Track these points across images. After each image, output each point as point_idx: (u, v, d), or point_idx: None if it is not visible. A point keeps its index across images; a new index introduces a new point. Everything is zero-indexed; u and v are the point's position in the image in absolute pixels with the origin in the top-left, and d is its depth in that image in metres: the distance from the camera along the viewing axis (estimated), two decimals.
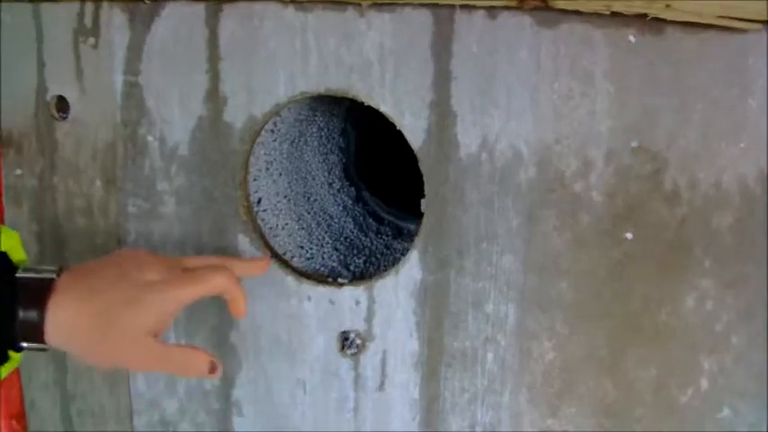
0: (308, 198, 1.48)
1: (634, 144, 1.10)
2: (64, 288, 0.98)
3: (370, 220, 1.58)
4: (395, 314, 1.26)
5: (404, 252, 1.48)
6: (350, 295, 1.27)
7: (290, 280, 1.30)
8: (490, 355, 1.23)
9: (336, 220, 1.51)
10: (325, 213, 1.50)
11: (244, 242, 1.30)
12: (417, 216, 1.50)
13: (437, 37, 1.14)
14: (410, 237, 1.57)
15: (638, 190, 1.11)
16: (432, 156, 1.18)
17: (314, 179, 1.51)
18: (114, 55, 1.30)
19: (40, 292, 0.96)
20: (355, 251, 1.46)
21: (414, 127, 1.17)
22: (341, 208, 1.54)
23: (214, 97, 1.26)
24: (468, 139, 1.16)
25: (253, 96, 1.24)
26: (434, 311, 1.24)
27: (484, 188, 1.16)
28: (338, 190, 1.56)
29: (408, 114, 1.17)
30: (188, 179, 1.30)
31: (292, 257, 1.37)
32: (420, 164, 1.19)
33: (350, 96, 1.19)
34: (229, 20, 1.22)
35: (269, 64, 1.22)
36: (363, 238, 1.51)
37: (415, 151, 1.18)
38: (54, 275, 0.99)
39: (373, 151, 1.63)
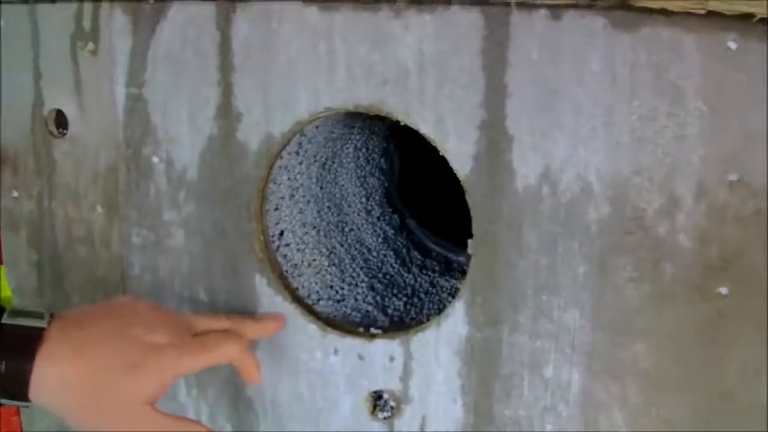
0: (342, 229, 1.29)
1: (732, 177, 0.88)
2: (55, 339, 0.86)
3: (415, 253, 1.38)
4: (435, 375, 1.06)
5: (452, 291, 1.28)
6: (383, 349, 1.08)
7: (314, 329, 1.11)
8: (549, 427, 1.02)
9: (375, 254, 1.32)
10: (361, 246, 1.31)
11: (261, 283, 1.12)
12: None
13: (489, 42, 0.94)
14: (460, 272, 1.37)
15: (736, 234, 0.89)
16: (481, 187, 0.98)
17: (349, 206, 1.32)
18: (116, 63, 1.13)
19: (27, 343, 0.85)
20: (395, 290, 1.27)
21: (460, 152, 0.98)
22: (380, 239, 1.35)
23: (226, 113, 1.08)
24: (526, 167, 0.95)
25: (270, 113, 1.06)
26: (483, 374, 1.03)
27: (545, 228, 0.96)
28: (378, 218, 1.37)
29: (453, 137, 0.98)
30: (198, 208, 1.13)
31: (319, 300, 1.18)
32: (467, 197, 0.99)
33: (383, 114, 1.00)
34: (243, 22, 1.04)
35: (288, 75, 1.03)
36: (406, 275, 1.32)
37: (461, 181, 0.98)
38: (44, 323, 0.88)
39: (420, 174, 1.43)
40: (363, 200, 1.36)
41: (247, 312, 1.14)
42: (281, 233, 1.17)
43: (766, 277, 0.89)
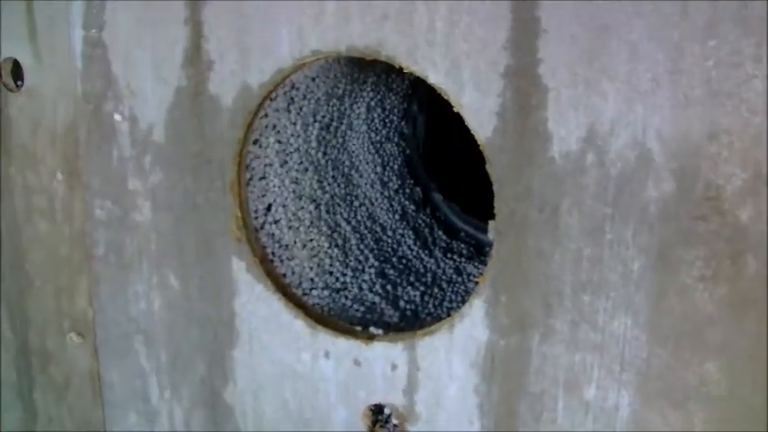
0: (351, 203, 1.08)
1: None
2: None
3: (439, 233, 1.16)
4: (447, 389, 0.85)
5: None
6: (383, 355, 0.87)
7: (301, 326, 0.91)
8: None
9: (389, 233, 1.11)
10: (373, 223, 1.10)
11: (238, 267, 0.92)
12: None
13: None
14: (488, 258, 1.14)
15: None
16: (507, 154, 0.76)
17: (361, 176, 1.11)
18: (72, 2, 0.93)
19: None
20: (411, 277, 1.05)
21: (479, 107, 0.75)
22: (397, 216, 1.13)
23: (195, 60, 0.88)
24: (565, 129, 0.73)
25: (246, 59, 0.85)
26: (505, 391, 0.82)
27: (589, 209, 0.74)
28: (396, 191, 1.15)
29: (471, 88, 0.75)
30: (166, 177, 0.93)
31: (312, 289, 0.97)
32: (488, 166, 0.77)
33: (382, 58, 0.78)
34: None
35: (268, 10, 0.82)
36: (426, 259, 1.10)
37: (481, 146, 0.76)
38: None
39: (449, 140, 1.20)
40: (378, 169, 1.13)
41: (223, 302, 0.94)
42: (269, 207, 0.96)
43: None
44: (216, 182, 0.90)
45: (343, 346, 0.89)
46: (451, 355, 0.84)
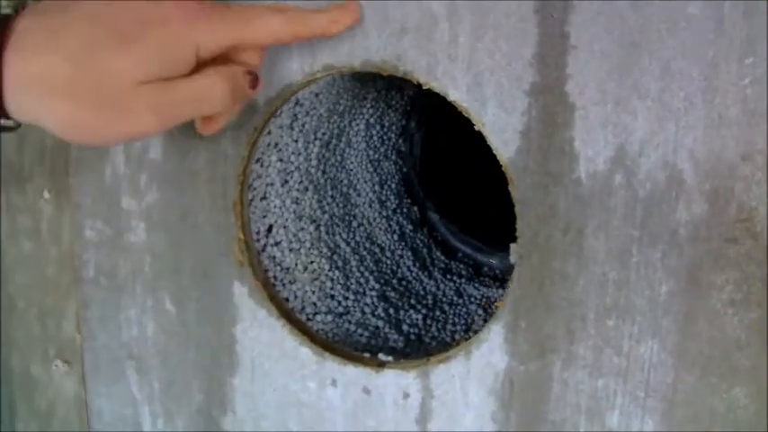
0: (349, 223, 1.05)
1: None
2: (26, 28, 0.65)
3: (438, 253, 1.14)
4: (462, 418, 0.82)
5: (482, 303, 1.03)
6: (394, 382, 0.84)
7: (307, 354, 0.87)
8: None
9: (388, 254, 1.07)
10: (372, 244, 1.07)
11: (240, 293, 0.88)
12: (504, 248, 1.02)
13: None
14: (493, 278, 1.12)
15: None
16: (531, 175, 0.73)
17: (359, 195, 1.08)
18: None
19: None
20: (413, 300, 1.02)
21: (503, 126, 0.73)
22: (396, 236, 1.10)
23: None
24: (592, 149, 0.70)
25: None
26: (525, 418, 0.79)
27: (616, 231, 0.71)
28: (394, 210, 1.12)
29: (494, 105, 0.73)
30: (162, 196, 0.89)
31: (315, 314, 0.94)
32: (512, 187, 0.74)
33: (400, 74, 0.75)
34: None
35: None
36: (426, 280, 1.07)
37: (503, 166, 0.74)
38: (9, 11, 0.70)
39: (446, 158, 1.18)
40: (377, 188, 1.10)
41: (223, 328, 0.90)
42: (270, 228, 0.93)
43: None
44: (218, 202, 0.86)
45: (352, 374, 0.85)
46: (468, 383, 0.81)
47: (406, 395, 0.83)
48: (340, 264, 1.01)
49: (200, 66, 0.68)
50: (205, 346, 0.92)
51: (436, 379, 0.82)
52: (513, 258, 0.76)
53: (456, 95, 0.74)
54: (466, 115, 0.74)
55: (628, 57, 0.68)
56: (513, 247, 0.76)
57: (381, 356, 0.87)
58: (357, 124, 1.06)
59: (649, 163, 0.69)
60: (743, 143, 0.66)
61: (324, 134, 1.00)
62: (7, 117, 0.66)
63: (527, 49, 0.71)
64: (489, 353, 0.79)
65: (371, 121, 1.08)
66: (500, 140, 0.74)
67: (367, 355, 0.88)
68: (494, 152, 0.74)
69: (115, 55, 0.64)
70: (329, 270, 0.99)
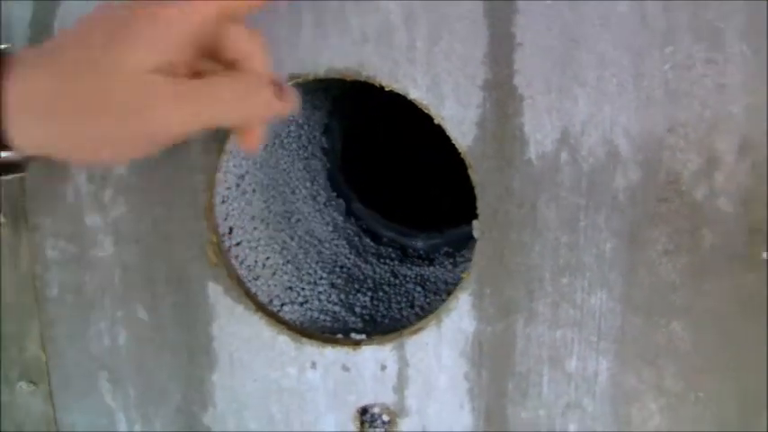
0: (290, 219, 1.11)
1: None
2: (26, 58, 0.64)
3: (367, 240, 1.22)
4: (437, 380, 0.91)
5: (418, 281, 1.13)
6: (372, 357, 0.91)
7: (285, 341, 0.93)
8: (573, 427, 0.89)
9: (327, 245, 1.15)
10: (312, 237, 1.14)
11: (215, 292, 0.93)
12: (425, 230, 1.13)
13: None
14: (420, 259, 1.22)
15: None
16: (488, 159, 0.83)
17: (293, 193, 1.14)
18: (13, 36, 0.90)
19: None
20: (357, 285, 1.10)
21: (460, 119, 0.82)
22: (330, 228, 1.18)
23: None
24: (541, 132, 0.81)
25: None
26: (494, 374, 0.89)
27: (565, 201, 0.82)
28: (325, 204, 1.19)
29: (452, 101, 0.82)
30: (131, 209, 0.92)
31: (282, 305, 1.00)
32: (471, 172, 0.83)
33: (363, 79, 0.83)
34: None
35: None
36: (363, 266, 1.15)
37: (462, 154, 0.83)
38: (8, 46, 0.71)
39: (364, 151, 1.27)
40: (308, 184, 1.17)
41: (199, 328, 0.94)
42: (231, 230, 0.98)
43: None
44: (188, 209, 0.91)
45: (330, 355, 0.92)
46: (440, 348, 0.90)
47: (384, 367, 0.91)
48: (290, 258, 1.08)
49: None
50: (181, 347, 0.96)
51: (411, 349, 0.90)
52: (476, 234, 0.86)
53: (416, 94, 0.83)
54: (426, 111, 0.83)
55: (567, 51, 0.79)
56: (474, 223, 0.86)
57: (354, 336, 0.95)
58: (289, 126, 1.12)
59: (590, 141, 0.80)
60: (667, 119, 0.78)
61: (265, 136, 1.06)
62: (10, 149, 0.63)
63: (479, 49, 0.80)
64: (459, 319, 0.88)
65: (300, 122, 1.14)
66: (458, 132, 0.83)
67: (340, 336, 0.95)
68: (454, 142, 0.83)
69: (110, 50, 0.62)
70: (283, 264, 1.05)
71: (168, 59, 0.62)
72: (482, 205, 0.85)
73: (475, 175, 0.84)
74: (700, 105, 0.77)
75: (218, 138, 0.88)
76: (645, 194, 0.81)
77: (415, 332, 0.90)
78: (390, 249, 1.22)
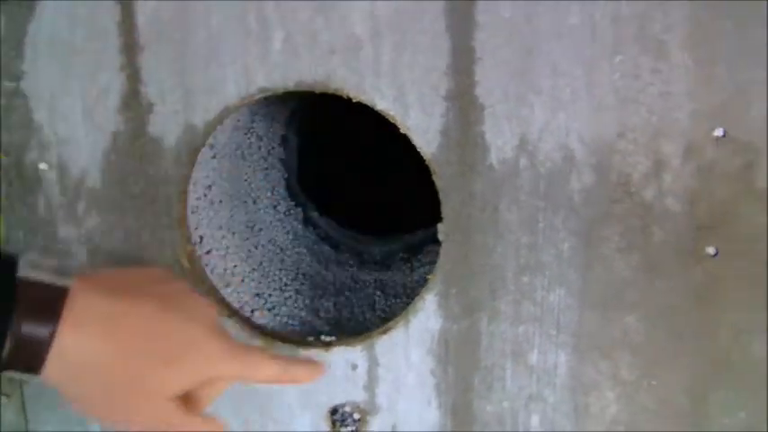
0: (252, 228, 1.14)
1: (718, 133, 0.83)
2: (82, 306, 0.65)
3: (326, 248, 1.25)
4: (405, 378, 0.95)
5: (377, 285, 1.17)
6: (342, 358, 0.95)
7: (257, 345, 0.96)
8: (536, 418, 0.94)
9: (289, 253, 1.18)
10: (274, 245, 1.17)
11: None
12: (380, 237, 1.18)
13: (454, 1, 0.83)
14: (377, 264, 1.26)
15: (724, 192, 0.85)
16: (451, 165, 0.88)
17: (255, 203, 1.17)
18: None
19: (48, 304, 0.64)
20: (320, 291, 1.14)
21: (425, 127, 0.87)
22: (291, 236, 1.21)
23: (133, 104, 0.90)
24: (501, 139, 0.86)
25: (190, 99, 0.90)
26: (460, 369, 0.94)
27: (525, 204, 0.87)
28: (285, 213, 1.23)
29: (417, 111, 0.87)
30: (103, 220, 0.94)
31: (252, 311, 1.03)
32: (435, 177, 0.88)
33: (331, 91, 0.87)
34: None
35: (211, 52, 0.87)
36: (324, 272, 1.19)
37: (426, 161, 0.88)
38: (68, 282, 0.67)
39: (319, 161, 1.31)
40: (269, 194, 1.21)
41: None
42: (201, 239, 1.01)
43: (757, 232, 0.85)
44: (162, 219, 0.93)
45: (303, 356, 0.96)
46: (409, 347, 0.94)
47: (355, 367, 0.95)
48: (256, 266, 1.11)
49: None
50: None
51: (380, 348, 0.95)
52: (440, 237, 0.91)
53: (383, 105, 0.87)
54: (392, 121, 0.87)
55: (524, 62, 0.84)
56: (439, 227, 0.90)
57: (324, 338, 0.98)
58: (250, 138, 1.15)
59: (547, 146, 0.86)
60: (618, 124, 0.84)
61: (228, 149, 1.09)
62: (35, 374, 0.65)
63: (441, 61, 0.85)
64: (426, 319, 0.93)
65: (260, 133, 1.18)
66: (423, 140, 0.87)
67: (311, 338, 0.99)
68: (419, 150, 0.88)
69: (156, 372, 0.68)
70: (250, 272, 1.09)
71: (190, 387, 0.69)
72: (446, 209, 0.89)
73: (439, 181, 0.88)
74: (647, 112, 0.84)
75: (191, 148, 0.91)
76: (598, 196, 0.87)
77: (385, 332, 0.94)
78: (348, 256, 1.26)
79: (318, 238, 1.28)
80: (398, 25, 0.84)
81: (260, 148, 1.19)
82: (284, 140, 1.26)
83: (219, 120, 0.90)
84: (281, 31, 0.86)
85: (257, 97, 0.88)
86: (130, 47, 0.89)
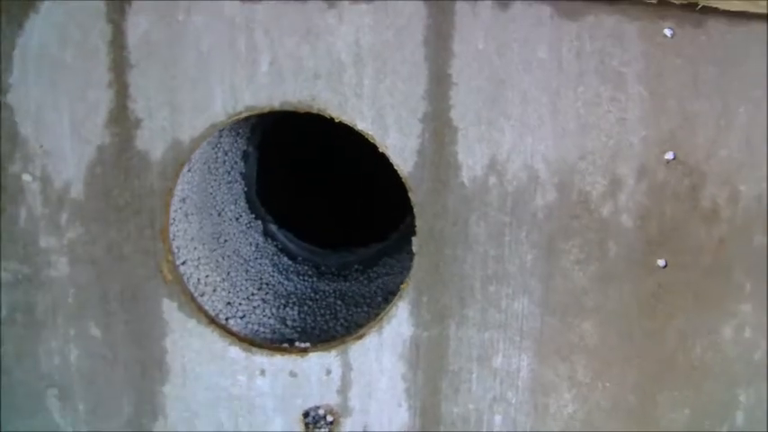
0: (218, 239, 1.20)
1: (669, 156, 0.94)
2: None
3: (285, 259, 1.32)
4: (378, 382, 1.03)
5: (337, 295, 1.24)
6: (317, 363, 1.02)
7: (236, 351, 1.02)
8: (498, 418, 1.03)
9: (252, 264, 1.24)
10: (239, 256, 1.23)
11: (170, 308, 1.01)
12: (335, 249, 1.27)
13: (432, 32, 0.92)
14: (333, 275, 1.33)
15: (673, 210, 0.96)
16: (426, 183, 0.96)
17: (220, 215, 1.23)
18: None
19: None
20: (283, 300, 1.20)
21: (402, 147, 0.95)
22: (253, 248, 1.27)
23: (121, 119, 0.95)
24: (472, 159, 0.95)
25: (178, 116, 0.96)
26: (429, 373, 1.02)
27: (492, 219, 0.96)
28: (247, 226, 1.29)
29: (395, 131, 0.95)
30: (86, 231, 0.99)
31: (227, 319, 1.08)
32: (410, 194, 0.96)
33: (314, 111, 0.94)
34: (141, 15, 0.93)
35: (201, 72, 0.94)
36: (286, 283, 1.25)
37: (403, 178, 0.96)
38: None
39: (277, 175, 1.37)
40: (232, 207, 1.27)
41: (152, 343, 1.02)
42: (178, 250, 1.06)
43: (702, 246, 0.97)
44: (145, 230, 0.98)
45: (279, 362, 1.02)
46: (381, 353, 1.01)
47: (329, 371, 1.02)
48: (224, 275, 1.16)
49: None
50: (134, 362, 1.03)
51: (354, 354, 1.02)
52: (414, 248, 0.99)
53: (363, 125, 0.95)
54: (372, 141, 0.95)
55: (496, 90, 0.93)
56: (413, 239, 0.98)
57: (299, 344, 1.05)
58: (216, 152, 1.21)
59: (514, 166, 0.95)
60: (579, 148, 0.94)
61: (197, 163, 1.14)
62: None
63: (419, 87, 0.93)
64: (398, 325, 1.00)
65: (226, 148, 1.24)
66: (400, 159, 0.95)
67: (286, 345, 1.05)
68: (396, 168, 0.95)
69: None
70: (221, 281, 1.14)
71: None
72: (420, 223, 0.97)
73: (414, 197, 0.96)
74: (605, 136, 0.94)
75: (177, 163, 0.96)
76: (560, 212, 0.96)
77: (359, 338, 1.01)
78: (306, 267, 1.33)
79: (277, 249, 1.34)
80: (380, 53, 0.92)
81: (225, 162, 1.25)
82: (245, 155, 1.32)
83: (205, 136, 0.95)
84: (268, 55, 0.93)
85: (244, 115, 0.94)
86: (119, 64, 0.94)
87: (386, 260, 1.33)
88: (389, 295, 1.16)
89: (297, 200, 1.42)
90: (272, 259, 1.30)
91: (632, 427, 1.03)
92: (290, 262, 1.33)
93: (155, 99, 0.95)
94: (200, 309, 1.02)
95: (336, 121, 0.95)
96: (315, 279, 1.30)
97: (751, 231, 0.98)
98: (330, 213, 1.32)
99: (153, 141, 0.96)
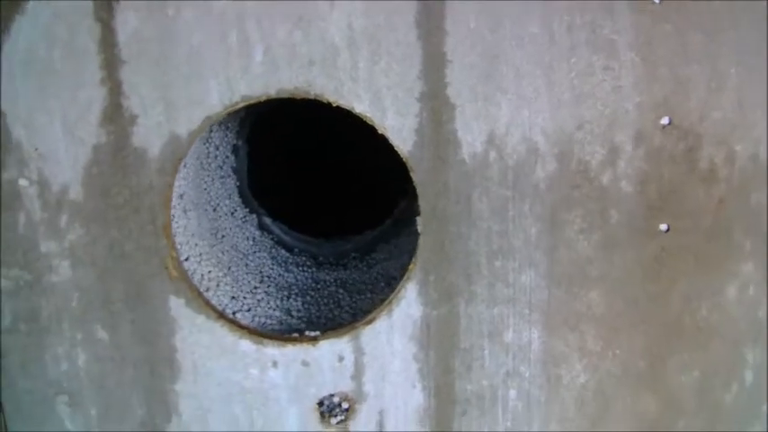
0: (216, 234, 1.20)
1: (664, 121, 0.95)
2: None
3: (282, 251, 1.32)
4: (390, 365, 1.04)
5: (338, 284, 1.25)
6: (329, 350, 1.03)
7: (247, 344, 1.03)
8: (513, 393, 1.04)
9: (251, 258, 1.25)
10: (237, 251, 1.23)
11: (177, 305, 1.01)
12: (330, 238, 1.28)
13: (424, 12, 0.93)
14: (332, 264, 1.34)
15: (672, 173, 0.98)
16: (426, 162, 0.97)
17: (215, 210, 1.23)
18: None
19: None
20: (285, 292, 1.21)
21: (400, 127, 0.96)
22: (251, 241, 1.27)
23: (116, 117, 0.95)
24: (471, 135, 0.96)
25: (174, 111, 0.96)
26: (441, 353, 1.03)
27: (495, 194, 0.97)
28: (242, 220, 1.29)
29: (392, 112, 0.95)
30: (86, 232, 0.98)
31: (234, 313, 1.09)
32: (411, 173, 0.97)
33: (311, 97, 0.94)
34: (130, 12, 0.92)
35: (193, 66, 0.94)
36: (286, 274, 1.26)
37: (404, 158, 0.96)
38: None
39: (268, 168, 1.37)
40: (226, 202, 1.27)
41: (161, 341, 1.02)
42: (180, 246, 1.06)
43: (701, 209, 0.98)
44: (147, 227, 0.98)
45: (290, 352, 1.03)
46: (392, 335, 1.02)
47: (341, 358, 1.03)
48: (225, 270, 1.17)
49: None
50: (143, 362, 1.03)
51: (365, 338, 1.03)
52: (419, 228, 0.99)
53: (361, 108, 0.95)
54: (370, 123, 0.95)
55: (490, 66, 0.94)
56: (417, 219, 0.99)
57: (309, 333, 1.05)
58: (208, 147, 1.21)
59: (513, 140, 0.96)
60: (576, 118, 0.96)
61: (191, 158, 1.15)
62: None
63: (414, 67, 0.94)
64: (407, 306, 1.01)
65: (217, 142, 1.24)
66: (399, 139, 0.96)
67: (297, 335, 1.06)
68: (396, 149, 0.96)
69: None
70: (223, 276, 1.14)
71: None
72: (423, 203, 0.98)
73: (415, 176, 0.97)
74: (601, 105, 0.95)
75: (175, 158, 0.96)
76: (561, 182, 0.98)
77: (369, 322, 1.02)
78: (304, 258, 1.33)
79: (274, 242, 1.35)
80: (374, 35, 0.93)
81: (216, 157, 1.25)
82: (235, 149, 1.32)
83: (202, 129, 0.96)
84: (261, 45, 0.93)
85: (240, 105, 0.95)
86: (111, 62, 0.94)
87: (382, 246, 1.34)
88: (392, 280, 1.17)
89: (288, 192, 1.42)
90: (270, 252, 1.30)
91: (644, 389, 1.05)
92: (287, 254, 1.34)
93: (149, 95, 0.95)
94: (208, 304, 1.02)
95: (334, 105, 0.96)
96: (314, 269, 1.30)
97: (748, 190, 1.00)
98: (323, 203, 1.32)
99: (149, 137, 0.96)
